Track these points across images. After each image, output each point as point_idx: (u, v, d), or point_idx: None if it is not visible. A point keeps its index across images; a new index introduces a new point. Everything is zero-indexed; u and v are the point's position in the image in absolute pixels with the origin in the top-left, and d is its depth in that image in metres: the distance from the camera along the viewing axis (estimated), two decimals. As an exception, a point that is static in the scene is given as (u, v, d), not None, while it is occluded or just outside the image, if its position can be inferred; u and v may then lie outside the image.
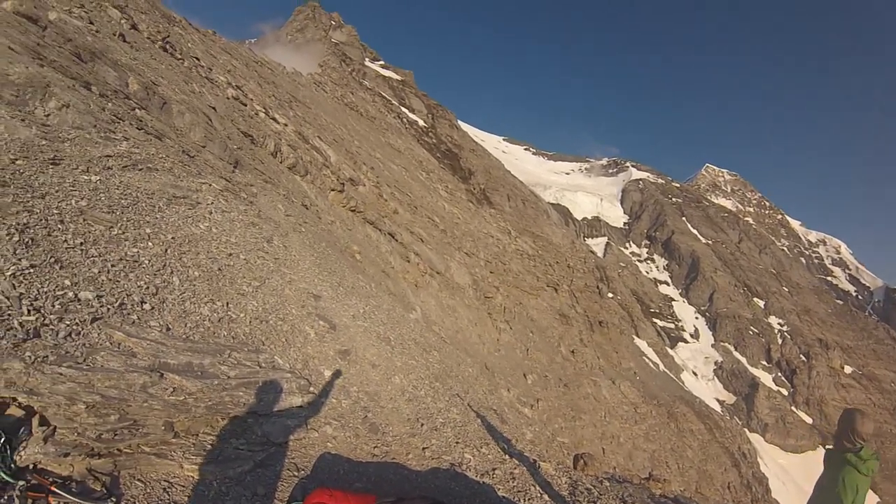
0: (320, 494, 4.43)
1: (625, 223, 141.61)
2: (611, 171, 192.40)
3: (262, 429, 5.47)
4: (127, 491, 4.03)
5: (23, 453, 3.72)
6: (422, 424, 7.78)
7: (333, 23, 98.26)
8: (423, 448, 7.15)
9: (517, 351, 27.31)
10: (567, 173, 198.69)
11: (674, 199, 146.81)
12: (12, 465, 3.55)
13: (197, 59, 22.22)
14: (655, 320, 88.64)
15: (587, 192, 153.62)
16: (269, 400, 5.80)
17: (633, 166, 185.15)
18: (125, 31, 17.49)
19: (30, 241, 6.07)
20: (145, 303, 6.33)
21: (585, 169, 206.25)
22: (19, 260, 5.59)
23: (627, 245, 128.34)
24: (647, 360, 57.38)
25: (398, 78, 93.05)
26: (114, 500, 3.76)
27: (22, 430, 3.84)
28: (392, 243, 22.91)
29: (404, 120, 70.61)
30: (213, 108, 17.58)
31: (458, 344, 17.96)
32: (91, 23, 15.30)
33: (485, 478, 7.07)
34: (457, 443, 7.74)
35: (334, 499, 4.38)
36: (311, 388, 6.68)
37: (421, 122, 77.10)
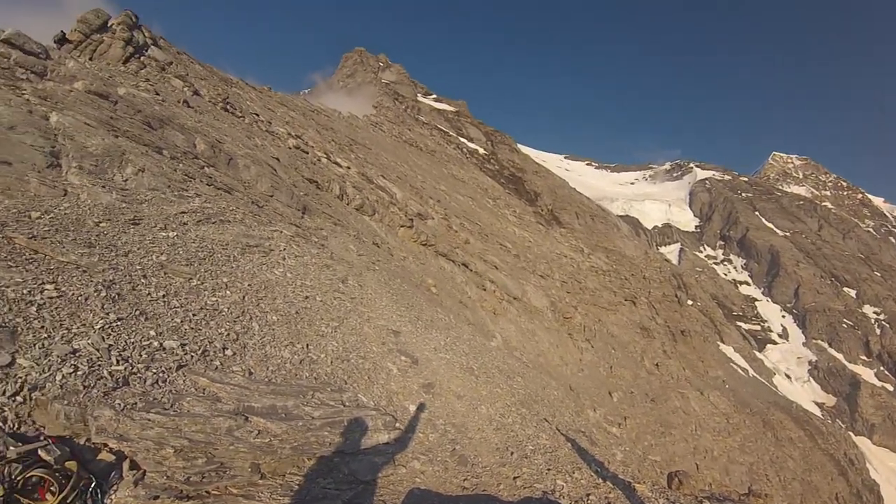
0: None
1: (696, 226, 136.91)
2: (675, 174, 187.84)
3: (349, 467, 5.43)
4: (215, 532, 4.20)
5: (113, 497, 3.89)
6: (511, 453, 7.57)
7: (381, 64, 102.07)
8: (514, 477, 6.94)
9: (600, 369, 26.52)
10: (632, 183, 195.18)
11: (744, 195, 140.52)
12: None
13: (256, 114, 23.40)
14: (740, 323, 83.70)
15: (654, 199, 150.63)
16: (354, 438, 5.77)
17: (697, 167, 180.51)
18: (188, 97, 18.73)
19: (116, 296, 6.45)
20: (227, 349, 6.52)
21: (649, 176, 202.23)
22: (107, 314, 5.96)
23: (702, 248, 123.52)
24: (734, 366, 54.40)
25: (452, 109, 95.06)
26: None
27: (113, 474, 4.03)
28: (466, 273, 23.00)
29: (464, 150, 71.63)
30: (277, 159, 18.33)
31: (540, 367, 17.63)
32: (157, 93, 16.53)
33: None
34: (548, 469, 7.48)
35: None
36: (397, 424, 6.59)
37: (481, 150, 77.93)
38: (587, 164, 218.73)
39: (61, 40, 18.18)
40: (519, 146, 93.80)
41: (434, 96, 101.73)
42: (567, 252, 41.51)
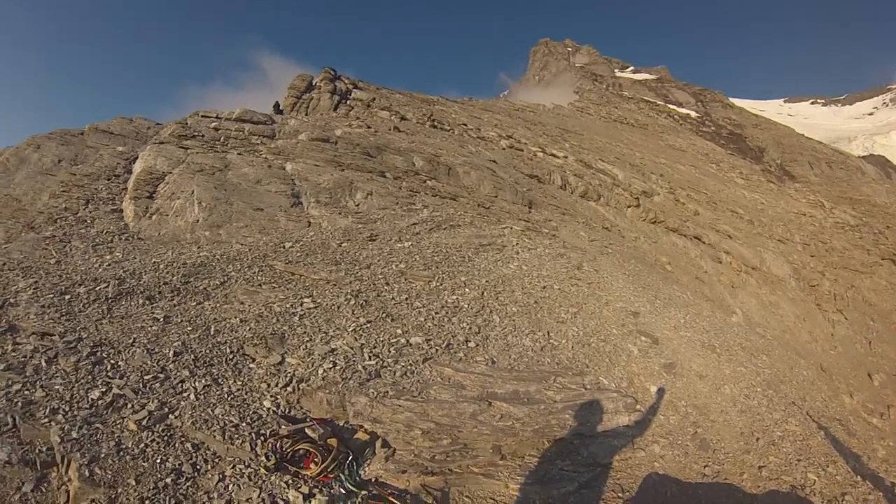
0: None
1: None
2: None
3: (588, 450, 5.40)
4: (455, 505, 4.51)
5: (367, 469, 4.51)
6: (757, 439, 6.69)
7: (570, 49, 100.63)
8: (760, 466, 6.12)
9: (857, 345, 21.94)
10: (870, 113, 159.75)
11: None
12: (358, 478, 4.36)
13: (464, 124, 24.70)
14: None
15: None
16: (594, 421, 5.72)
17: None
18: (397, 123, 20.68)
19: (364, 303, 7.41)
20: (470, 341, 6.94)
21: (890, 101, 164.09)
22: (357, 318, 6.89)
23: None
24: None
25: (653, 77, 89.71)
26: None
27: (367, 451, 4.68)
28: (700, 247, 21.57)
29: (675, 117, 66.82)
30: (494, 161, 19.09)
31: (786, 344, 15.42)
32: (369, 126, 18.54)
33: None
34: (798, 460, 6.45)
35: None
36: (638, 406, 6.33)
37: (693, 114, 71.89)
38: (812, 104, 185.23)
39: (276, 106, 21.61)
40: (732, 100, 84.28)
41: (632, 68, 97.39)
42: (805, 209, 35.96)
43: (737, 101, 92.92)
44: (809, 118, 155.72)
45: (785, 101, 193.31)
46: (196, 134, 13.84)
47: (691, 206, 25.35)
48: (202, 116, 15.33)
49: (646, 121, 56.17)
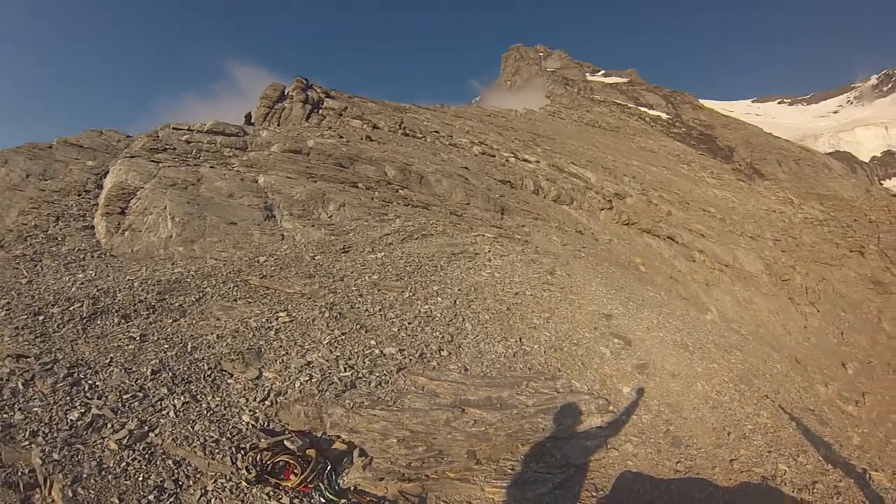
0: None
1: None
2: (885, 88, 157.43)
3: (562, 451, 5.59)
4: (432, 510, 4.67)
5: (346, 478, 4.68)
6: (728, 433, 7.00)
7: (541, 54, 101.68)
8: (731, 460, 6.41)
9: (830, 336, 22.62)
10: (835, 112, 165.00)
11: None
12: (336, 487, 4.51)
13: (436, 131, 24.92)
14: None
15: (866, 124, 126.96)
16: (567, 423, 5.94)
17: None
18: (369, 132, 20.81)
19: (338, 315, 7.56)
20: (443, 350, 7.15)
21: (854, 98, 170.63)
22: (332, 331, 7.06)
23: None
24: None
25: (624, 80, 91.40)
26: None
27: (345, 460, 4.86)
28: (673, 246, 22.03)
29: (646, 119, 68.01)
30: (466, 168, 19.29)
31: (761, 339, 15.83)
32: (341, 136, 18.65)
33: (803, 493, 6.02)
34: (769, 452, 6.76)
35: None
36: (611, 407, 6.59)
37: (663, 115, 73.24)
38: (779, 103, 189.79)
39: (248, 117, 21.56)
40: (701, 102, 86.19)
41: (602, 72, 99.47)
42: (775, 206, 37.04)
43: (706, 103, 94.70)
44: (777, 117, 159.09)
45: (753, 102, 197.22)
46: (167, 147, 13.79)
47: (664, 206, 25.81)
48: (173, 129, 15.27)
49: (617, 123, 57.00)
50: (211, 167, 13.14)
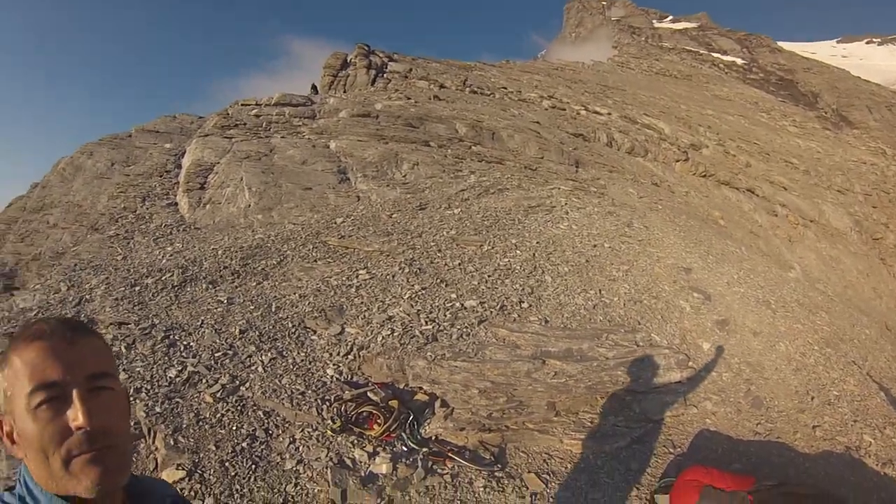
0: (696, 472, 4.27)
1: None
2: None
3: (640, 406, 5.43)
4: (511, 460, 4.58)
5: (427, 428, 4.68)
6: (812, 398, 6.49)
7: (605, 3, 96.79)
8: (814, 426, 5.96)
9: None
10: None
11: None
12: (418, 436, 4.56)
13: (504, 87, 24.42)
14: None
15: None
16: (646, 377, 5.74)
17: None
18: (436, 92, 20.63)
19: (418, 271, 7.57)
20: (523, 302, 6.99)
21: None
22: (412, 286, 7.07)
23: None
24: None
25: (694, 26, 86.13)
26: (499, 466, 4.40)
27: (427, 411, 4.87)
28: (753, 200, 20.84)
29: (720, 66, 63.86)
30: (538, 122, 18.88)
31: (848, 301, 14.66)
32: (408, 98, 18.58)
33: (887, 468, 5.50)
34: (854, 421, 6.23)
35: (710, 477, 4.14)
36: (690, 363, 6.27)
37: (738, 61, 68.53)
38: (867, 43, 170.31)
39: (314, 87, 21.88)
40: (780, 44, 79.81)
41: (670, 17, 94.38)
42: (866, 157, 33.88)
43: (785, 45, 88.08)
44: (865, 59, 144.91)
45: (838, 42, 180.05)
46: (238, 123, 14.22)
47: (742, 157, 24.48)
48: (242, 105, 15.72)
49: (689, 72, 54.08)
50: (282, 137, 13.41)
